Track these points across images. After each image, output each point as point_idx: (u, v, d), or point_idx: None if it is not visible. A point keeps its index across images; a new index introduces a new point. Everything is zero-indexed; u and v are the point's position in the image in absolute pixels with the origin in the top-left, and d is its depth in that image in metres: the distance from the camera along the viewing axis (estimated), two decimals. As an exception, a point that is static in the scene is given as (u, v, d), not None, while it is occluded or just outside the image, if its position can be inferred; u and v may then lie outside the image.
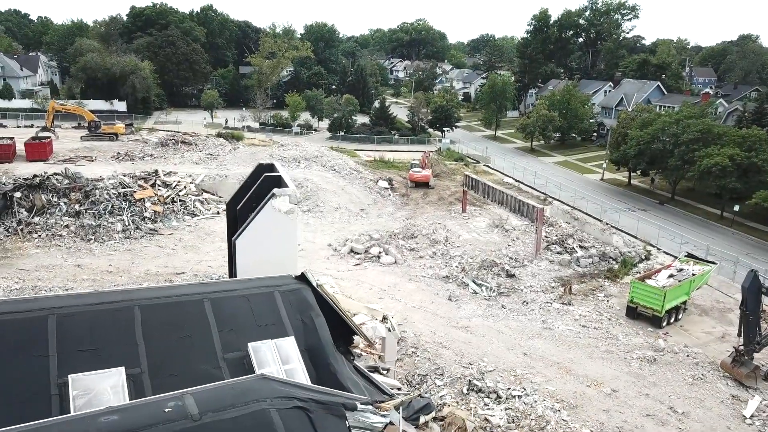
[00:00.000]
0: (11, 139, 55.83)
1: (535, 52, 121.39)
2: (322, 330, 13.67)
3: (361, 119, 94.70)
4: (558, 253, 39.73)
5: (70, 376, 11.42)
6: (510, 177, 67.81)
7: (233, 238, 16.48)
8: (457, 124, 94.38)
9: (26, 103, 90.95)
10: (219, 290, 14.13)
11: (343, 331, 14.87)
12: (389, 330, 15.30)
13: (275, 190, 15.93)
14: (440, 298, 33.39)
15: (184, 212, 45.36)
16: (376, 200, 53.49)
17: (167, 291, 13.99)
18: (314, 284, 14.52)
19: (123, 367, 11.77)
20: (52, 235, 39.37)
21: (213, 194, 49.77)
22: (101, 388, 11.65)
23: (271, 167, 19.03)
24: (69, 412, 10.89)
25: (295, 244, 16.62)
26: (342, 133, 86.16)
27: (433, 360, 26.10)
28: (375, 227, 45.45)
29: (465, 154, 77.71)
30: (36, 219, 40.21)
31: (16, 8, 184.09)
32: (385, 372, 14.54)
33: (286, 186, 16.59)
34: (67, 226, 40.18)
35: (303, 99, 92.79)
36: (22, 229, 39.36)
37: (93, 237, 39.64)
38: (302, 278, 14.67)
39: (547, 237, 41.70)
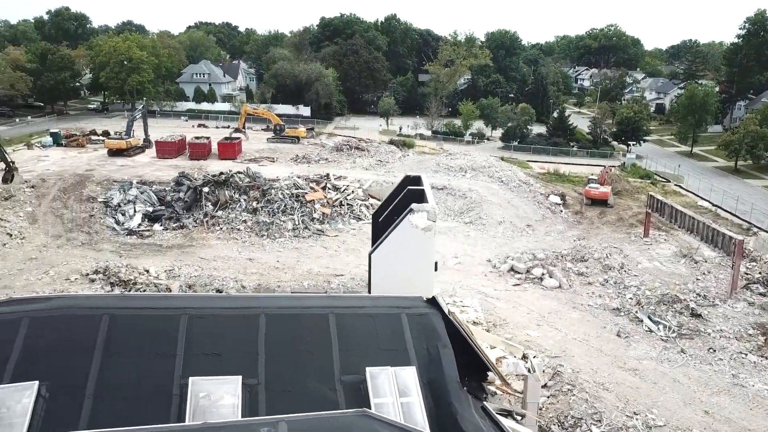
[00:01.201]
0: (208, 138, 62.27)
1: (747, 59, 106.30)
2: (447, 363, 12.27)
3: (537, 129, 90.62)
4: (761, 294, 33.55)
5: (191, 378, 11.37)
6: (706, 200, 59.60)
7: (369, 252, 15.73)
8: (645, 137, 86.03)
9: (225, 107, 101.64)
10: (345, 306, 13.46)
11: (475, 364, 13.33)
12: (529, 371, 13.39)
13: (413, 205, 14.87)
14: (607, 332, 29.78)
15: (350, 216, 46.52)
16: (544, 216, 50.20)
17: (294, 301, 13.67)
18: (445, 310, 13.15)
19: (240, 377, 11.49)
20: (231, 228, 42.65)
21: (379, 200, 50.53)
22: (218, 396, 11.45)
23: (416, 180, 18.03)
24: (185, 415, 10.84)
25: (431, 263, 15.42)
26: (515, 143, 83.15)
27: (591, 402, 23.09)
28: (541, 246, 42.49)
29: (653, 172, 70.25)
30: (219, 213, 43.93)
31: (228, 21, 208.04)
32: (519, 418, 12.69)
33: (427, 201, 15.43)
34: (244, 222, 43.30)
35: (477, 107, 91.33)
36: (207, 221, 43.24)
37: (266, 233, 42.18)
38: (433, 302, 13.38)
39: (747, 274, 35.51)
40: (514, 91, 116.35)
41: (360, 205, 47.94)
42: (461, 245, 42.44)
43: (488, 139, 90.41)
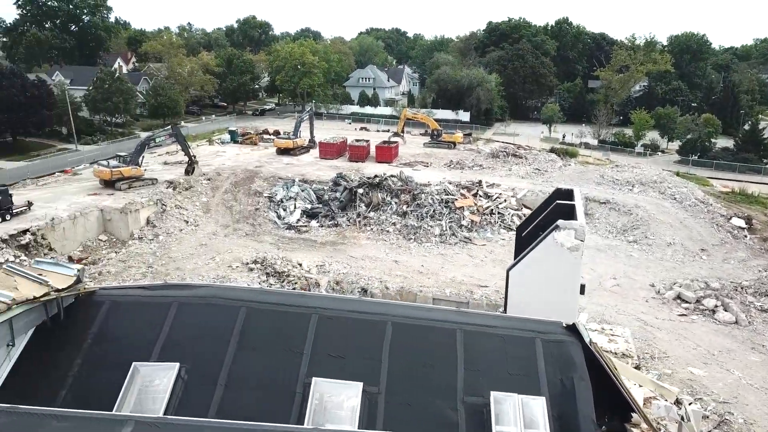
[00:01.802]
0: (367, 141, 64.30)
1: None
2: (583, 398, 11.00)
3: (723, 143, 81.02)
4: None
5: (314, 378, 11.42)
6: None
7: (508, 268, 14.78)
8: None
9: (387, 111, 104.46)
10: (475, 323, 12.71)
11: (617, 403, 11.85)
12: (683, 419, 11.59)
13: (560, 222, 13.65)
14: (793, 381, 25.48)
15: (500, 225, 45.14)
16: (723, 241, 44.53)
17: (423, 312, 13.20)
18: (586, 339, 11.85)
19: (362, 383, 11.31)
20: (381, 230, 43.51)
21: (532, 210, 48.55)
22: (338, 400, 11.39)
23: (568, 194, 16.65)
24: (305, 415, 10.91)
25: (576, 286, 14.04)
26: (694, 157, 75.05)
27: (764, 463, 19.87)
28: (716, 274, 37.71)
29: None
30: (371, 214, 45.05)
31: (398, 27, 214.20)
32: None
33: (577, 218, 14.10)
34: (394, 224, 43.94)
35: (652, 117, 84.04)
36: (359, 221, 44.57)
37: (413, 237, 42.42)
38: (573, 329, 12.13)
39: None
40: (698, 100, 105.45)
41: (512, 215, 46.29)
42: (622, 266, 39.16)
43: (662, 152, 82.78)
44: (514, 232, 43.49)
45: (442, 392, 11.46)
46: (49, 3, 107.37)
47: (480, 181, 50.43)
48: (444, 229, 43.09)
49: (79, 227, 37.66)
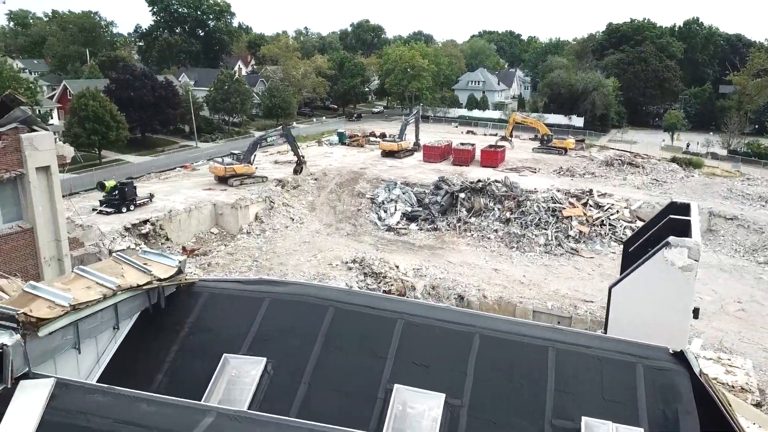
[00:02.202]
0: (472, 145, 63.31)
1: None
2: (688, 433, 9.93)
3: None
4: None
5: (396, 384, 11.21)
6: None
7: (610, 285, 13.73)
8: None
9: (495, 114, 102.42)
10: (569, 342, 11.87)
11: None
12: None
13: (671, 239, 12.43)
14: None
15: (611, 237, 42.66)
16: None
17: (513, 327, 12.55)
18: (696, 369, 10.70)
19: (444, 395, 10.95)
20: (482, 236, 42.60)
21: (646, 223, 45.45)
22: (420, 409, 11.11)
23: (684, 208, 15.21)
24: (384, 422, 10.73)
25: (688, 310, 12.73)
26: (843, 172, 66.85)
27: None
28: None
29: None
30: (472, 219, 44.25)
31: (512, 29, 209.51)
32: None
33: (691, 235, 12.82)
34: (495, 231, 42.86)
35: (793, 125, 75.94)
36: (459, 226, 43.92)
37: (516, 245, 41.15)
38: (680, 357, 11.00)
39: None
40: None
41: (624, 228, 43.58)
42: (749, 288, 35.66)
43: (804, 165, 74.49)
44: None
45: (528, 412, 10.82)
46: (180, 10, 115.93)
47: (591, 190, 47.97)
48: (549, 238, 41.39)
49: (194, 220, 40.20)
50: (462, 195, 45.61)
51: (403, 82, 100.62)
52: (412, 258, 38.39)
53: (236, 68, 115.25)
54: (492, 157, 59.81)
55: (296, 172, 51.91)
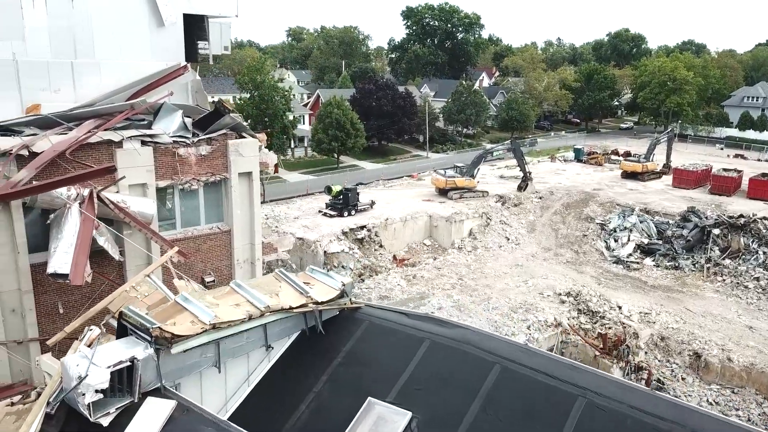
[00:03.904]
0: (739, 172, 53.08)
1: None
2: None
3: None
4: None
5: None
6: None
7: None
8: None
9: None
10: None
11: None
12: None
13: None
14: None
15: None
16: None
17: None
18: None
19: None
20: (737, 283, 35.26)
21: None
22: None
23: None
24: None
25: None
26: None
27: None
28: None
29: None
30: (727, 261, 36.92)
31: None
32: None
33: None
34: (757, 279, 35.16)
35: None
36: (708, 268, 37.03)
37: (783, 300, 33.08)
38: None
39: None
40: None
41: None
42: None
43: None
44: None
45: None
46: (432, 23, 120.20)
47: None
48: (832, 297, 32.35)
49: (408, 230, 40.31)
50: (716, 231, 38.30)
51: (660, 96, 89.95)
52: (641, 299, 33.12)
53: (479, 80, 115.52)
54: (763, 187, 49.39)
55: (520, 188, 49.20)
